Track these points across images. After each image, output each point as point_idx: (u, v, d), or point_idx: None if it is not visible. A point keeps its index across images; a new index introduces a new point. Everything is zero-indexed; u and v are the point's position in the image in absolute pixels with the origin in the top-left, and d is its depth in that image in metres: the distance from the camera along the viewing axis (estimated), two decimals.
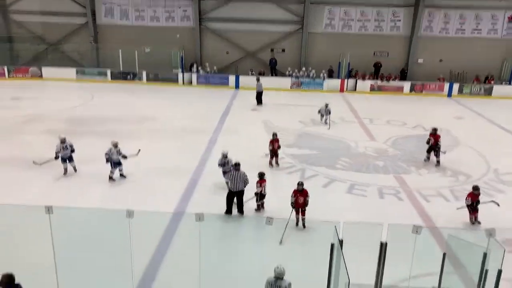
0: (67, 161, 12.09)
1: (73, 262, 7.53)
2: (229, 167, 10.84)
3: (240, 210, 10.18)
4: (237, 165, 10.22)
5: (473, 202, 9.93)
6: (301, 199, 9.50)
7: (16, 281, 5.75)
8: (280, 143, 13.51)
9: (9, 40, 29.04)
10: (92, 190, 11.45)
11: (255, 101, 22.49)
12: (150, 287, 7.55)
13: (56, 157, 11.99)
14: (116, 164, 11.78)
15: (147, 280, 7.70)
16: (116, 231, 7.19)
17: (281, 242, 8.47)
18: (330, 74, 27.30)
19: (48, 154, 13.88)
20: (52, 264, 6.25)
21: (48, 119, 18.22)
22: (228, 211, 10.13)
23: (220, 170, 11.50)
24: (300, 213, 9.62)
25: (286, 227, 8.80)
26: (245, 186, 10.14)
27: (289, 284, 6.26)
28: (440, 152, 13.78)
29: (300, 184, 9.64)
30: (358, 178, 12.86)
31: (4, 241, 8.39)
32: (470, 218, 10.12)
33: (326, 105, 18.56)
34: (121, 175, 12.06)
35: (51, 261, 6.28)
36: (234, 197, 10.12)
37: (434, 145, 13.79)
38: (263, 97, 22.35)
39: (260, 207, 10.47)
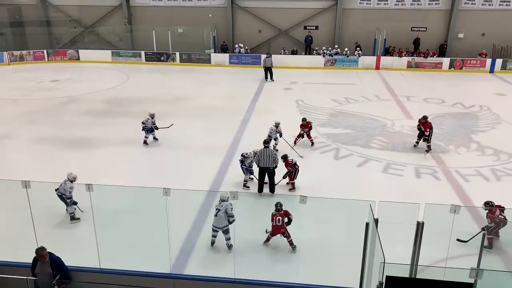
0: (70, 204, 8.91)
1: (113, 236, 7.80)
2: (249, 163, 10.50)
3: (272, 190, 10.20)
4: (266, 143, 10.23)
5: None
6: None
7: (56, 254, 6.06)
8: (314, 122, 13.74)
9: (47, 24, 29.89)
10: (127, 169, 11.79)
11: (288, 81, 22.40)
12: (186, 262, 7.74)
13: (75, 202, 8.96)
14: (149, 131, 13.27)
15: (184, 255, 7.88)
16: (153, 208, 7.39)
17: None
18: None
19: (86, 134, 14.36)
20: (93, 238, 6.51)
21: (86, 100, 18.73)
22: (260, 189, 10.19)
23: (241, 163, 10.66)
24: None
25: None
26: (276, 166, 10.12)
27: (231, 203, 7.25)
28: (429, 144, 12.85)
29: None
30: (394, 157, 12.59)
31: (44, 216, 8.77)
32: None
33: (277, 125, 12.67)
34: (154, 138, 13.59)
35: (92, 234, 6.54)
36: (265, 175, 10.14)
37: (424, 131, 12.84)
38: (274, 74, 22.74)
39: (290, 184, 10.49)
